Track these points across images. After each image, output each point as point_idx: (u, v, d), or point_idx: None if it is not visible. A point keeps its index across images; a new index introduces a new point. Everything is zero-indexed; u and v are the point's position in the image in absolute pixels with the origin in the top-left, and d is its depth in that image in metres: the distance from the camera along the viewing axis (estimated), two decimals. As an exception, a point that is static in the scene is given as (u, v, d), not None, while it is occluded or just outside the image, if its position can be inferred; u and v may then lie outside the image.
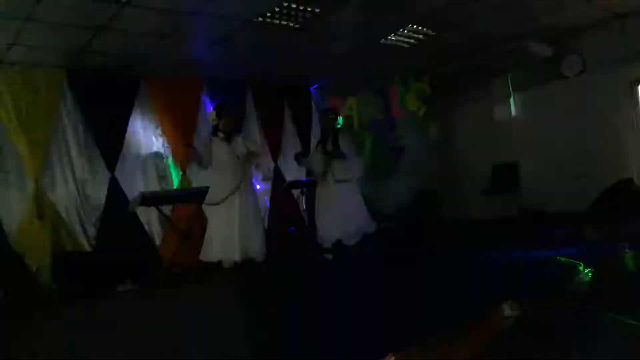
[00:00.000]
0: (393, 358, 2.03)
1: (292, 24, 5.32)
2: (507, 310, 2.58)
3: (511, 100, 7.84)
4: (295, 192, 7.59)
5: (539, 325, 2.76)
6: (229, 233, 4.44)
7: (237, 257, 4.52)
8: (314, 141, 5.20)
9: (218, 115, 4.59)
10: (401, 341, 2.20)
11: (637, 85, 6.59)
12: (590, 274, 3.27)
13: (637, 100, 6.60)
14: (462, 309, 2.66)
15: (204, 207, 4.55)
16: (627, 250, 3.80)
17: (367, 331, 2.50)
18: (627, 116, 6.61)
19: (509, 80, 7.82)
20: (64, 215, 5.61)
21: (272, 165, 7.26)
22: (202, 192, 5.74)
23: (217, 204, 4.45)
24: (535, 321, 2.72)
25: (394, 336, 2.31)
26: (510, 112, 7.85)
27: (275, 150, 7.58)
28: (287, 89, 7.84)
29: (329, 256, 4.94)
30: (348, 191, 5.10)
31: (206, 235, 4.54)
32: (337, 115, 5.24)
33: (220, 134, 4.60)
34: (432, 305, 2.86)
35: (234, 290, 4.28)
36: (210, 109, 6.88)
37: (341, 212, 5.00)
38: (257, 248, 4.56)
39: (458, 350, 2.33)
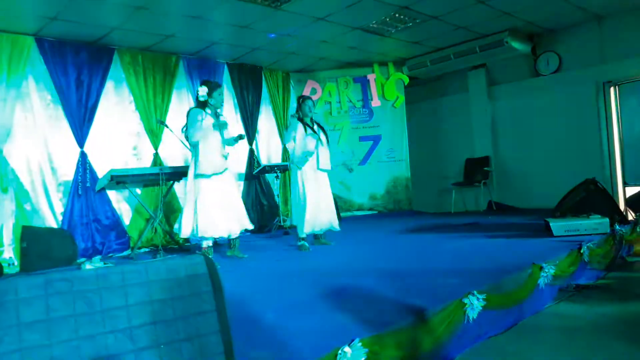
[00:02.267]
0: (359, 342, 2.03)
1: (270, 4, 5.22)
2: (473, 300, 2.61)
3: (487, 94, 7.92)
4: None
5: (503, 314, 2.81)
6: (224, 207, 4.42)
7: (234, 230, 4.52)
8: (293, 122, 5.12)
9: (210, 92, 4.48)
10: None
11: (610, 86, 6.72)
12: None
13: (610, 101, 6.74)
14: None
15: (192, 182, 4.46)
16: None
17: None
18: (599, 116, 6.75)
19: (487, 74, 7.90)
20: (29, 189, 5.42)
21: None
22: (174, 172, 5.67)
23: (209, 177, 4.39)
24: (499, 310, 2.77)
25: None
26: (486, 106, 7.93)
27: (251, 132, 7.51)
28: (265, 69, 7.75)
29: (306, 247, 4.94)
30: (327, 181, 5.12)
31: (191, 211, 4.42)
32: (314, 102, 5.21)
33: (209, 110, 4.49)
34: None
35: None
36: (185, 85, 6.77)
37: (325, 200, 5.02)
38: (247, 220, 4.62)
39: (422, 337, 2.34)
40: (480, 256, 3.95)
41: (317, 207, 4.95)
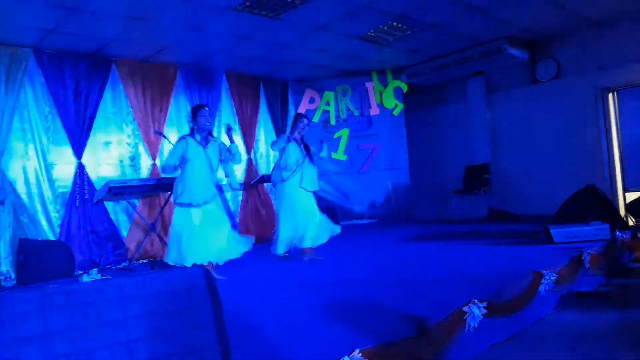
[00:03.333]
0: (359, 353, 2.01)
1: (268, 14, 5.24)
2: (474, 308, 2.59)
3: (486, 101, 7.94)
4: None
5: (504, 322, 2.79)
6: (199, 239, 4.18)
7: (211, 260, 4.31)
8: (284, 138, 5.02)
9: (193, 116, 4.35)
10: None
11: (608, 92, 6.73)
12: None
13: (608, 107, 6.75)
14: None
15: (175, 207, 4.35)
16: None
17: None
18: (598, 123, 6.76)
19: (485, 82, 7.92)
20: (26, 201, 5.40)
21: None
22: (171, 183, 5.65)
23: (187, 207, 4.23)
24: (500, 319, 2.75)
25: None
26: (485, 113, 7.94)
27: (250, 142, 7.51)
28: (263, 79, 7.77)
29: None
30: (310, 199, 5.03)
31: (172, 238, 4.31)
32: (309, 121, 5.17)
33: (197, 137, 4.38)
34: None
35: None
36: (183, 96, 6.78)
37: (307, 218, 4.91)
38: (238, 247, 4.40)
39: (424, 347, 2.32)
40: (481, 264, 3.93)
41: (296, 225, 4.86)
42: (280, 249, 4.91)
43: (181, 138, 4.40)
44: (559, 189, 5.78)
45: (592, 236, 4.34)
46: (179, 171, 4.29)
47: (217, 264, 4.32)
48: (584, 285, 3.72)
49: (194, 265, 4.29)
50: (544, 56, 7.21)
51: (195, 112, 4.40)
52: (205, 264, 4.18)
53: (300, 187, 4.92)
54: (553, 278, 3.29)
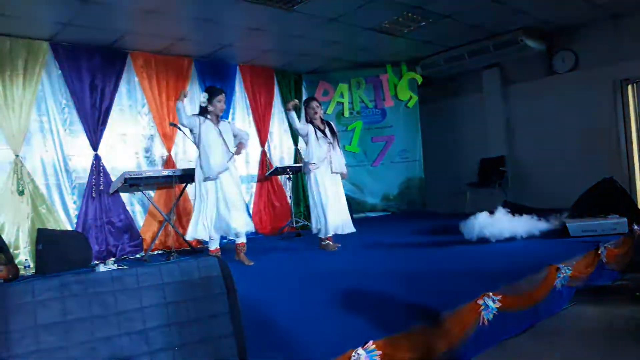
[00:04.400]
0: (373, 345, 2.02)
1: (282, 5, 5.23)
2: (489, 301, 2.58)
3: (502, 93, 7.85)
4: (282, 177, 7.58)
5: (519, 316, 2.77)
6: (215, 212, 4.48)
7: (226, 234, 4.62)
8: (304, 127, 5.05)
9: (210, 98, 4.50)
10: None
11: (627, 84, 6.62)
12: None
13: (627, 99, 6.64)
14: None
15: (195, 186, 4.55)
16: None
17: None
18: (617, 115, 6.65)
19: (501, 73, 7.83)
20: (44, 191, 5.49)
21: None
22: (186, 174, 5.70)
23: (204, 181, 4.47)
24: (515, 312, 2.74)
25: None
26: (501, 106, 7.86)
27: (264, 134, 7.53)
28: (277, 71, 7.77)
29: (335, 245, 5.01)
30: (340, 183, 5.14)
31: (194, 214, 4.53)
32: (320, 103, 5.18)
33: (209, 116, 4.54)
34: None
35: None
36: (197, 88, 6.80)
37: (340, 203, 5.04)
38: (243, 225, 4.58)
39: (437, 339, 2.32)
40: (495, 257, 3.90)
41: (335, 209, 4.97)
42: (330, 231, 4.97)
43: (195, 115, 4.58)
44: (576, 182, 5.70)
45: (609, 230, 4.29)
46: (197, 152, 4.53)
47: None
48: (601, 279, 3.69)
49: (210, 253, 4.48)
50: (561, 48, 7.10)
51: (212, 94, 4.52)
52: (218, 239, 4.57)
53: (332, 172, 5.00)
54: (569, 272, 3.26)
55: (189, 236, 4.59)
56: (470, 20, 6.32)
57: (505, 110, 7.85)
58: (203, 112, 4.55)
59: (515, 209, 4.88)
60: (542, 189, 7.18)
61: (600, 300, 3.35)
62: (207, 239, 4.57)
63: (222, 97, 4.56)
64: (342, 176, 5.18)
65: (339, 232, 5.01)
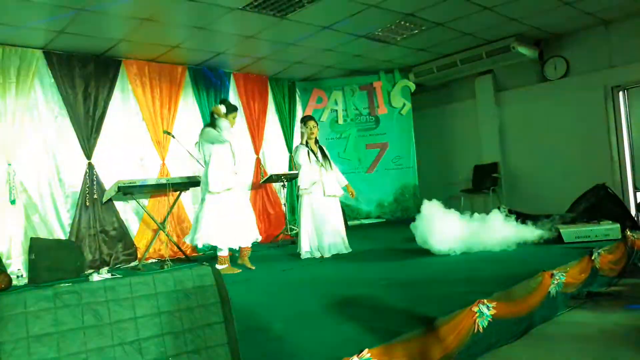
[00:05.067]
0: (368, 353, 2.01)
1: (276, 13, 5.25)
2: (483, 308, 2.58)
3: (495, 100, 7.90)
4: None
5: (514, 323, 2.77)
6: (231, 220, 4.59)
7: (238, 243, 4.71)
8: (301, 149, 5.16)
9: (228, 113, 4.70)
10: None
11: (618, 90, 6.68)
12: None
13: (619, 106, 6.70)
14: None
15: (206, 195, 4.62)
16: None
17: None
18: (608, 121, 6.71)
19: (494, 80, 7.88)
20: (37, 200, 5.45)
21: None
22: (180, 183, 5.69)
23: (218, 192, 4.59)
24: (509, 319, 2.73)
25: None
26: (494, 112, 7.90)
27: (258, 141, 7.53)
28: (271, 79, 7.78)
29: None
30: (336, 205, 5.20)
31: (203, 221, 4.56)
32: (317, 123, 5.25)
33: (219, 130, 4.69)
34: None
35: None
36: (191, 95, 6.82)
37: (332, 225, 5.08)
38: (254, 234, 4.79)
39: (432, 346, 2.32)
40: (490, 264, 3.91)
41: (321, 232, 5.01)
42: (304, 255, 5.06)
43: (208, 125, 4.77)
44: (569, 188, 5.74)
45: (602, 236, 4.31)
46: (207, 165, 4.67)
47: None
48: (595, 285, 3.69)
49: (206, 263, 4.48)
50: (553, 54, 7.17)
51: (230, 109, 4.73)
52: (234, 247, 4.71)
53: (325, 195, 5.07)
54: (563, 278, 3.26)
55: (199, 241, 4.62)
56: (462, 28, 6.37)
57: (498, 117, 7.89)
58: (214, 124, 4.65)
59: (521, 216, 4.85)
60: (535, 195, 7.21)
61: (594, 306, 3.35)
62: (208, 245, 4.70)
63: (236, 114, 4.81)
64: (350, 194, 5.29)
65: (327, 254, 5.03)
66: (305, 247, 5.06)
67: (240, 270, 4.65)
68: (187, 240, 4.82)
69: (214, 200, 4.56)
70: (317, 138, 5.24)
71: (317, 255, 5.06)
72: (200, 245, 4.64)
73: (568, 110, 7.00)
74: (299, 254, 5.10)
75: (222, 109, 4.65)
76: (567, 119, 7.01)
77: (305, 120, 5.24)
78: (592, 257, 3.72)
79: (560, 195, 5.96)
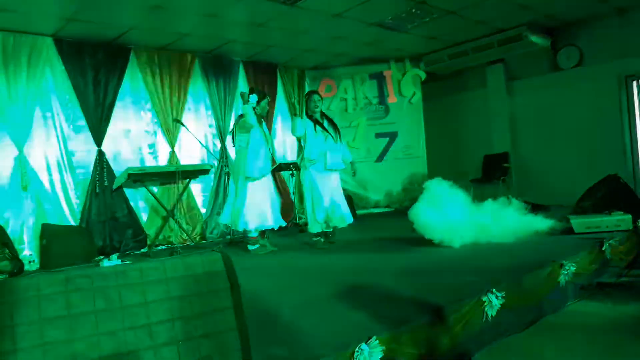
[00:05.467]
0: (376, 340, 2.02)
1: (285, 1, 5.21)
2: (492, 298, 2.57)
3: (506, 89, 7.82)
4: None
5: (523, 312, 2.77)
6: (267, 204, 4.90)
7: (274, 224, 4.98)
8: (297, 119, 5.12)
9: (259, 100, 4.90)
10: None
11: (632, 80, 6.58)
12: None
13: (632, 96, 6.60)
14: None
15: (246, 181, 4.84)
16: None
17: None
18: (621, 111, 6.62)
19: (505, 69, 7.79)
20: (48, 187, 5.50)
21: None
22: (190, 170, 5.70)
23: (258, 179, 4.85)
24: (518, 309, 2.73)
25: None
26: (505, 101, 7.83)
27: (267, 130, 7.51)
28: (280, 67, 7.76)
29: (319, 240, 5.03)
30: (336, 178, 5.11)
31: (249, 205, 4.80)
32: (322, 97, 5.17)
33: (259, 117, 4.97)
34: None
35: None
36: (200, 83, 6.83)
37: (334, 198, 5.03)
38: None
39: (441, 335, 2.32)
40: (499, 254, 3.89)
41: (324, 205, 4.94)
42: (316, 227, 5.01)
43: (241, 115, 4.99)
44: (580, 178, 5.69)
45: (613, 226, 4.27)
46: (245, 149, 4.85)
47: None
48: (605, 276, 3.67)
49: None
50: (566, 43, 7.06)
51: (261, 97, 4.95)
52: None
53: (326, 168, 4.97)
54: (573, 269, 3.25)
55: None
56: (474, 16, 6.29)
57: (509, 107, 7.82)
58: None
59: (531, 206, 4.80)
60: (545, 185, 7.16)
61: (604, 296, 3.34)
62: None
63: (267, 100, 5.10)
64: (353, 172, 5.29)
65: (326, 228, 5.02)
66: (317, 226, 5.01)
67: (277, 248, 4.99)
68: (227, 222, 5.09)
69: (253, 186, 4.81)
70: (323, 110, 5.13)
71: (325, 227, 5.03)
72: (252, 228, 4.83)
73: (580, 100, 6.91)
74: (310, 232, 5.07)
75: (254, 99, 4.84)
76: (579, 108, 6.93)
77: (309, 94, 5.16)
78: (603, 248, 3.69)
79: (571, 185, 5.92)
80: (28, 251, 5.23)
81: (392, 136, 8.22)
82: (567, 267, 3.20)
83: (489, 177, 7.71)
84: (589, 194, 5.17)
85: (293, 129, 5.02)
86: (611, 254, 3.74)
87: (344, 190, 7.80)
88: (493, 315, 2.54)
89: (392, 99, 8.20)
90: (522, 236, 4.35)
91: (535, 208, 4.84)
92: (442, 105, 8.64)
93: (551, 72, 7.28)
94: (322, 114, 5.09)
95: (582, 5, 6.19)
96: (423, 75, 8.08)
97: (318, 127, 4.98)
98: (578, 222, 4.43)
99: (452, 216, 4.41)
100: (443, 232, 4.36)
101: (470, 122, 8.36)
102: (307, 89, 8.15)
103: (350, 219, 5.14)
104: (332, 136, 5.00)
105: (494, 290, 2.60)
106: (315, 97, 5.04)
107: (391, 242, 5.02)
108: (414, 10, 5.89)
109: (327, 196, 4.96)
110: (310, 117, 5.01)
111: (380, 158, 8.26)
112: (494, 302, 2.56)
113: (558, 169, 7.08)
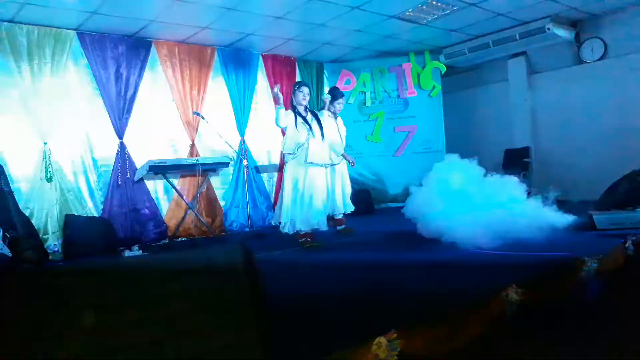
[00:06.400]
0: (395, 334, 2.02)
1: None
2: (512, 294, 2.55)
3: (528, 82, 7.70)
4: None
5: (543, 311, 2.74)
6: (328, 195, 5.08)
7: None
8: (280, 110, 4.79)
9: (332, 99, 5.26)
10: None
11: (659, 73, 6.42)
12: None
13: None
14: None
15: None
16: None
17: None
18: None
19: (527, 62, 7.66)
20: (71, 179, 5.61)
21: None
22: (210, 163, 5.76)
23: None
24: (538, 307, 2.70)
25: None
26: (527, 95, 7.71)
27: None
28: (299, 60, 7.75)
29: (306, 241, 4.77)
30: (320, 174, 4.87)
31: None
32: (310, 91, 5.07)
33: (329, 113, 5.21)
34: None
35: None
36: (220, 76, 6.88)
37: (316, 195, 4.78)
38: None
39: (458, 332, 2.31)
40: (520, 250, 3.85)
41: (302, 204, 4.69)
42: (287, 227, 4.76)
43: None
44: (603, 174, 5.59)
45: (637, 223, 4.18)
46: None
47: None
48: (628, 273, 3.61)
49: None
50: (590, 36, 6.92)
51: (335, 96, 5.36)
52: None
53: (305, 162, 4.72)
54: (595, 265, 3.20)
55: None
56: (496, 8, 6.20)
57: (531, 100, 7.70)
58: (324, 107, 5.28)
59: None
60: (568, 181, 7.02)
61: (627, 294, 3.28)
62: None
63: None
64: (350, 163, 5.38)
65: (306, 228, 4.75)
66: (283, 218, 4.74)
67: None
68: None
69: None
70: (307, 105, 4.94)
71: (292, 231, 4.75)
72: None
73: (605, 93, 6.77)
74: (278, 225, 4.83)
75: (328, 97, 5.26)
76: (603, 102, 6.79)
77: (299, 85, 4.93)
78: (626, 245, 3.62)
79: (594, 181, 5.82)
80: (52, 241, 5.34)
81: (412, 130, 8.16)
82: (589, 264, 3.15)
83: (509, 172, 7.60)
84: (612, 190, 5.07)
85: (277, 119, 4.76)
86: (635, 251, 3.67)
87: (363, 184, 7.85)
88: (513, 311, 2.52)
89: (411, 93, 8.13)
90: (543, 232, 4.28)
91: (557, 203, 4.76)
92: (462, 99, 8.54)
93: (574, 65, 7.15)
94: (306, 108, 4.89)
95: (608, -4, 6.06)
96: (443, 69, 8.00)
97: (299, 119, 4.75)
98: (601, 219, 4.35)
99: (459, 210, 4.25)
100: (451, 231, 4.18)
101: (491, 116, 8.25)
102: (325, 82, 8.15)
103: (347, 208, 5.32)
104: (312, 131, 4.77)
105: (514, 286, 2.57)
106: (305, 89, 4.86)
107: (409, 237, 5.00)
108: (434, 2, 5.82)
109: (306, 194, 4.71)
110: (293, 108, 4.81)
111: (398, 152, 8.21)
112: (514, 298, 2.54)
113: (580, 164, 6.96)
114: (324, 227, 4.89)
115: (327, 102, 5.29)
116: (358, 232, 5.28)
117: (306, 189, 4.73)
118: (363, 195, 7.32)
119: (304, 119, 4.81)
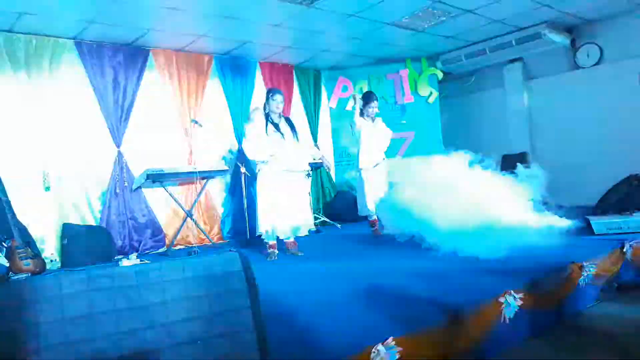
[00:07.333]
0: (393, 341, 2.02)
1: (302, 2, 5.23)
2: (510, 299, 2.55)
3: (524, 88, 7.73)
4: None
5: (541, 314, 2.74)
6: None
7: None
8: (254, 124, 4.68)
9: (364, 104, 5.47)
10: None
11: (655, 78, 6.46)
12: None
13: (654, 94, 6.48)
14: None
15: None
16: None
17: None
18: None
19: (523, 68, 7.70)
20: (69, 188, 5.60)
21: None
22: (208, 171, 5.76)
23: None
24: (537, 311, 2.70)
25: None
26: (523, 101, 7.74)
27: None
28: (297, 68, 7.78)
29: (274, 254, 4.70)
30: (292, 182, 4.73)
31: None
32: (282, 97, 4.84)
33: (366, 117, 5.48)
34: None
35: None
36: (218, 85, 6.89)
37: (287, 204, 4.66)
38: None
39: (458, 337, 2.31)
40: (518, 254, 3.85)
41: (272, 212, 4.60)
42: (264, 235, 4.72)
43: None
44: (601, 178, 5.59)
45: (635, 227, 4.19)
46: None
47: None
48: (626, 277, 3.61)
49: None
50: (586, 41, 6.95)
51: (367, 99, 5.65)
52: None
53: (284, 170, 4.64)
54: (593, 270, 3.21)
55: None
56: (492, 15, 6.24)
57: (528, 106, 7.73)
58: (361, 113, 5.54)
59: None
60: (565, 185, 7.03)
61: (625, 299, 3.28)
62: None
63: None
64: (326, 167, 5.50)
65: (282, 236, 4.72)
66: (263, 227, 4.66)
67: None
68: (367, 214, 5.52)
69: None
70: (281, 113, 4.83)
71: (272, 239, 4.70)
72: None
73: (601, 98, 6.80)
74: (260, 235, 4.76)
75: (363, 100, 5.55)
76: (599, 108, 6.82)
77: (273, 92, 4.81)
78: (624, 250, 3.63)
79: (591, 185, 5.83)
80: (50, 250, 5.33)
81: (409, 136, 8.18)
82: (586, 269, 3.16)
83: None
84: (609, 194, 5.09)
85: (245, 135, 4.71)
86: (633, 256, 3.68)
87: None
88: (511, 317, 2.53)
89: (408, 99, 8.16)
90: (541, 236, 4.28)
91: (554, 208, 4.76)
92: (459, 105, 8.57)
93: (570, 71, 7.18)
94: (280, 115, 4.80)
95: (603, 2, 6.09)
96: (440, 75, 8.03)
97: (271, 128, 4.65)
98: (598, 223, 4.36)
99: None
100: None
101: (488, 122, 8.28)
102: (322, 90, 8.17)
103: (296, 232, 4.87)
104: (288, 136, 4.71)
105: (512, 291, 2.58)
106: (279, 97, 4.75)
107: (405, 243, 5.00)
108: (430, 9, 5.86)
109: (277, 202, 4.60)
110: (266, 116, 4.70)
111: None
112: (511, 303, 2.54)
113: (578, 169, 6.97)
114: (303, 232, 5.06)
115: (358, 109, 5.52)
116: (356, 235, 5.27)
117: (280, 196, 4.61)
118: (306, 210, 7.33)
119: (276, 126, 4.69)
